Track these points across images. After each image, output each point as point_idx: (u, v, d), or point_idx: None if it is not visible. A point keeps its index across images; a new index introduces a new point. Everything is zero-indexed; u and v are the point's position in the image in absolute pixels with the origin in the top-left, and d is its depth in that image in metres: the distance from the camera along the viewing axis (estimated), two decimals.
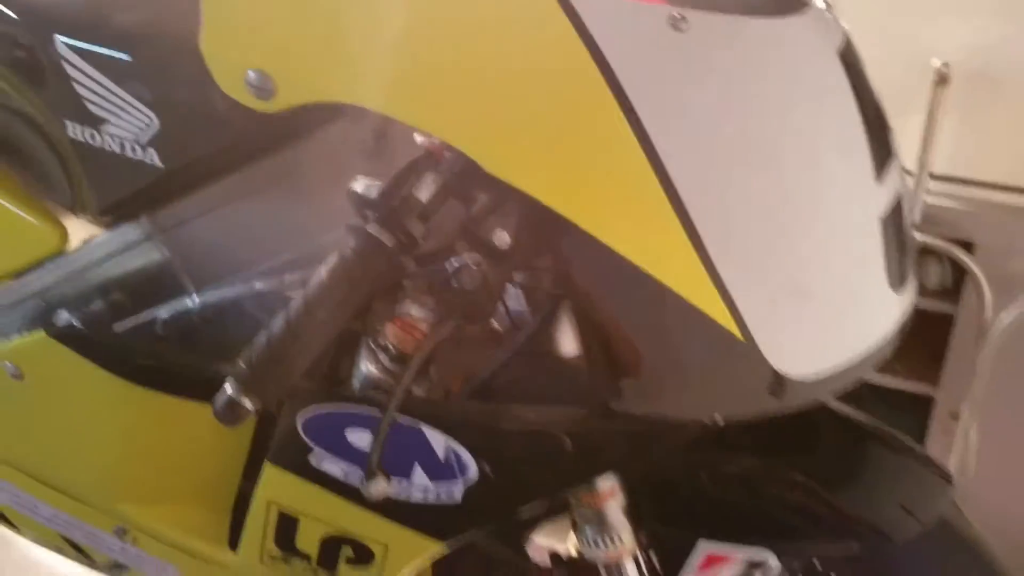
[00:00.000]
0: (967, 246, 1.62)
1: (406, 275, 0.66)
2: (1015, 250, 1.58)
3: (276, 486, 0.81)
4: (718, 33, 0.56)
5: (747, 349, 0.58)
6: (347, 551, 0.84)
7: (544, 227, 0.59)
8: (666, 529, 0.78)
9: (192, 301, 0.81)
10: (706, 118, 0.56)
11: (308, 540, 0.84)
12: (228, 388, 0.59)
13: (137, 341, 0.81)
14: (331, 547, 0.84)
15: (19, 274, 0.91)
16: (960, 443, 1.65)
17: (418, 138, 0.63)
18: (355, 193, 0.61)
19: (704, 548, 0.76)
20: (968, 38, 1.49)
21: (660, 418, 0.62)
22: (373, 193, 0.60)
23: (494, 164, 0.56)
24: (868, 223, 0.62)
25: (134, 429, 0.86)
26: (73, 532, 0.99)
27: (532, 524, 0.91)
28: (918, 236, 1.61)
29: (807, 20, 0.60)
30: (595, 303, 0.59)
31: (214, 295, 0.80)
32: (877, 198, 0.63)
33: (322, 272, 0.60)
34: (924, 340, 1.78)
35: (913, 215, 1.61)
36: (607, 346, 0.60)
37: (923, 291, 1.77)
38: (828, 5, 0.64)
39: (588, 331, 0.62)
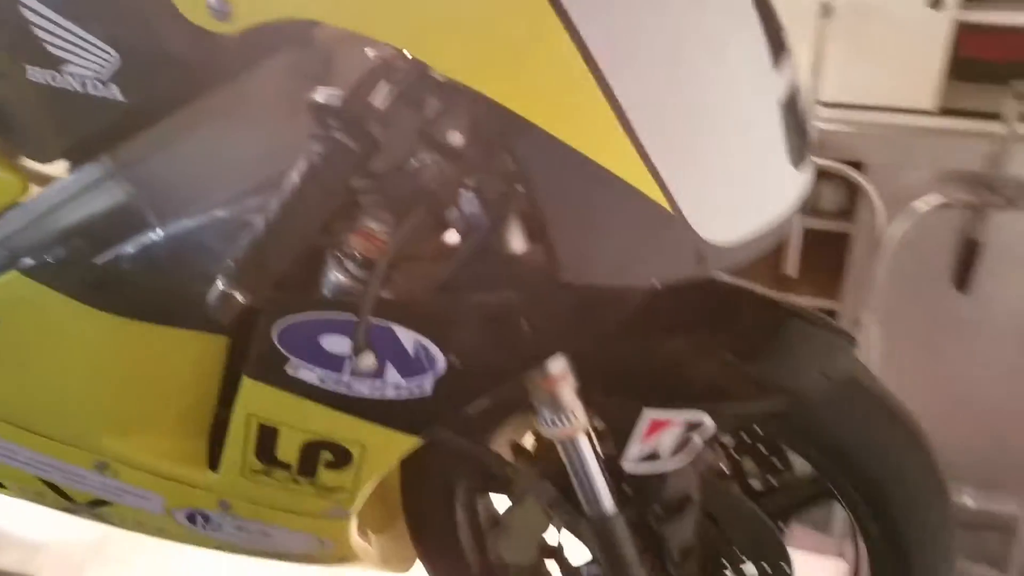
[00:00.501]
0: (858, 166, 1.77)
1: (370, 181, 0.73)
2: (902, 166, 1.73)
3: (255, 399, 0.88)
4: None
5: (675, 220, 0.68)
6: (326, 456, 0.90)
7: (491, 122, 0.67)
8: (613, 401, 0.87)
9: (158, 234, 0.86)
10: (629, 15, 0.64)
11: (288, 449, 0.91)
12: (219, 283, 0.66)
13: (109, 271, 0.85)
14: (310, 453, 0.90)
15: None
16: (864, 346, 1.80)
17: (370, 52, 0.70)
18: (317, 104, 0.67)
19: (648, 415, 0.86)
20: None
21: (604, 286, 0.71)
22: (335, 102, 0.66)
23: (443, 64, 0.64)
24: (769, 107, 0.72)
25: (110, 360, 0.91)
26: (53, 473, 1.03)
27: (495, 422, 0.99)
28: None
29: None
30: (538, 187, 0.67)
31: (179, 226, 0.85)
32: (775, 85, 0.73)
33: (294, 177, 0.67)
34: (825, 259, 1.94)
35: None
36: (552, 226, 0.68)
37: (820, 213, 1.93)
38: None
39: (535, 216, 0.70)
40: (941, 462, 0.94)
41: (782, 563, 0.98)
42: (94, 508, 1.07)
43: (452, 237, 0.78)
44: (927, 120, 1.71)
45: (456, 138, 0.68)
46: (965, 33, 1.75)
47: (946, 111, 1.69)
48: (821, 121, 1.73)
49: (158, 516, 1.04)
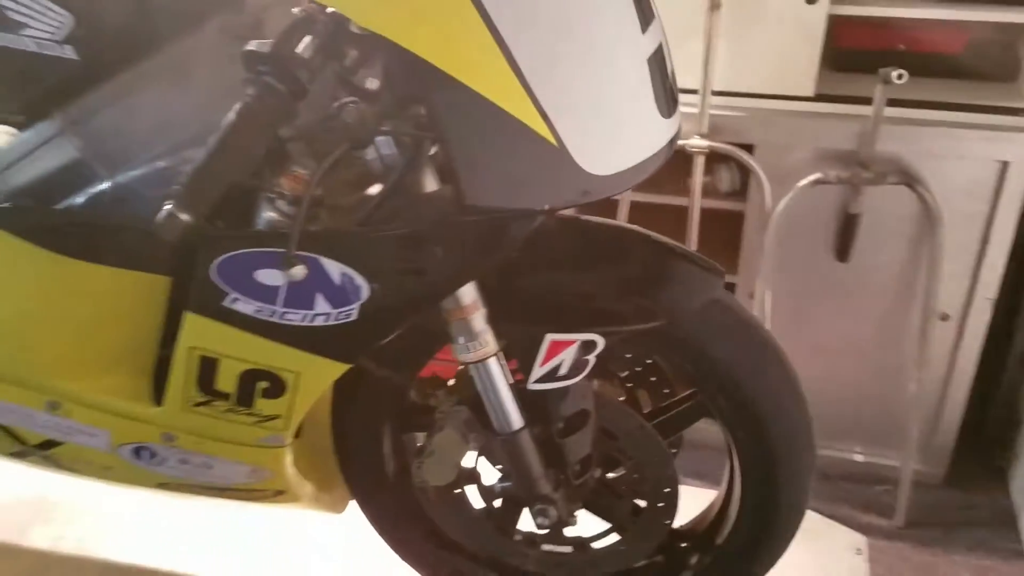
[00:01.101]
0: (750, 149, 1.94)
1: (297, 128, 0.84)
2: (786, 147, 1.90)
3: (196, 333, 0.98)
4: None
5: (560, 153, 0.81)
6: (262, 384, 1.01)
7: (403, 69, 0.79)
8: (518, 327, 1.00)
9: (106, 183, 0.96)
10: None
11: (227, 379, 1.01)
12: (166, 205, 0.76)
13: (62, 216, 0.95)
14: (248, 382, 1.01)
15: None
16: (757, 312, 1.97)
17: (295, 9, 0.81)
18: (249, 52, 0.77)
19: (549, 338, 0.99)
20: None
21: (502, 210, 0.83)
22: (264, 50, 0.77)
23: (360, 16, 0.76)
24: (639, 62, 0.86)
25: (62, 301, 1.00)
26: (6, 416, 1.11)
27: (418, 356, 1.11)
28: (706, 143, 1.91)
29: None
30: (444, 125, 0.80)
31: (125, 176, 0.95)
32: (643, 45, 0.87)
33: (231, 116, 0.78)
34: (722, 237, 2.10)
35: (702, 127, 1.91)
36: (457, 159, 0.81)
37: (716, 194, 2.09)
38: None
39: (443, 153, 0.83)
40: (797, 375, 1.09)
41: (668, 473, 1.12)
42: (44, 450, 1.15)
43: (371, 176, 0.90)
44: (806, 105, 1.89)
45: (373, 84, 0.80)
46: (838, 25, 1.94)
47: (822, 97, 1.87)
48: (713, 108, 1.89)
49: (105, 454, 1.12)
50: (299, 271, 0.83)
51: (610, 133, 0.85)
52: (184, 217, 0.76)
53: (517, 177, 0.82)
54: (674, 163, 2.01)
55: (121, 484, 1.20)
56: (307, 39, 0.78)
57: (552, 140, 0.81)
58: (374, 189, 0.90)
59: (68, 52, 0.88)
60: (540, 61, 0.79)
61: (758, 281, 1.99)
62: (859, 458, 2.26)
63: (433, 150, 0.87)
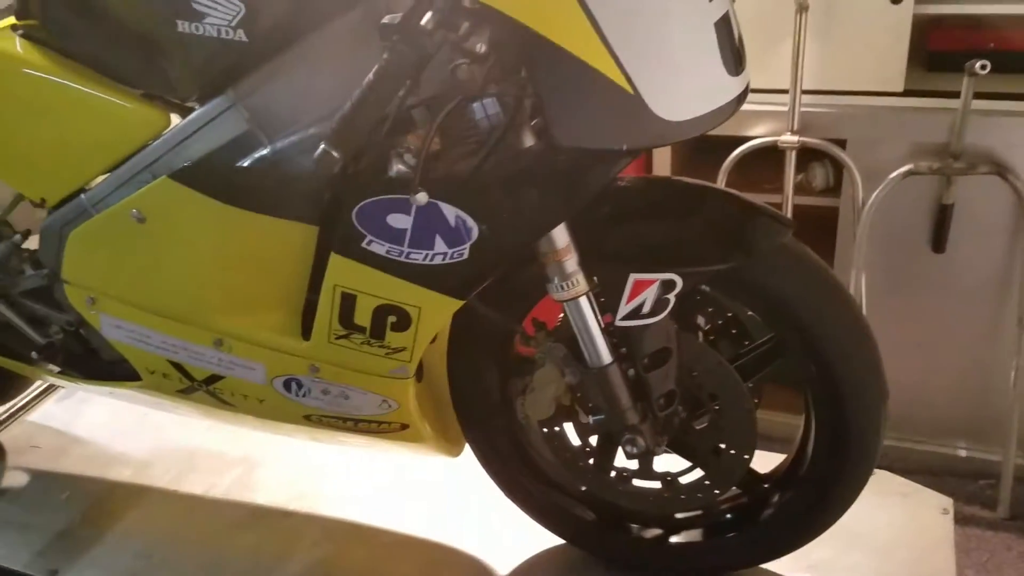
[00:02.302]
0: (842, 144, 2.03)
1: (420, 92, 1.02)
2: (877, 141, 1.99)
3: (339, 272, 1.17)
4: None
5: (636, 100, 0.97)
6: (391, 318, 1.19)
7: (506, 34, 0.97)
8: (606, 267, 1.15)
9: (269, 147, 1.17)
10: None
11: (363, 314, 1.19)
12: (322, 144, 0.95)
13: (235, 174, 1.16)
14: (380, 317, 1.19)
15: (131, 157, 1.26)
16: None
17: None
18: (385, 24, 0.96)
19: (633, 278, 1.14)
20: None
21: (586, 150, 1.00)
22: (396, 23, 0.96)
23: None
24: (706, 24, 1.01)
25: (231, 247, 1.22)
26: (179, 353, 1.33)
27: (522, 303, 1.28)
28: (797, 139, 2.02)
29: None
30: (540, 80, 0.97)
31: (285, 141, 1.17)
32: (710, 11, 1.02)
33: (369, 76, 0.96)
34: (816, 234, 2.19)
35: (792, 124, 2.02)
36: (550, 109, 0.97)
37: (811, 191, 2.18)
38: None
39: (538, 106, 1.00)
40: (864, 315, 1.20)
41: (745, 408, 1.23)
42: (209, 384, 1.37)
43: (480, 131, 1.08)
44: (896, 100, 1.97)
45: (481, 48, 0.98)
46: (929, 29, 2.03)
47: (911, 92, 1.96)
48: (804, 106, 2.01)
49: (260, 386, 1.33)
50: (422, 197, 1.01)
51: (680, 85, 1.00)
52: (335, 154, 0.95)
53: (600, 122, 0.98)
54: (768, 160, 2.13)
55: (271, 418, 1.41)
56: (429, 14, 0.96)
57: (629, 89, 0.96)
58: (482, 138, 1.08)
59: (240, 36, 1.10)
60: (618, 23, 0.95)
61: (852, 273, 2.07)
62: (962, 453, 2.27)
63: (531, 114, 1.04)
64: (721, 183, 2.13)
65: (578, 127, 0.98)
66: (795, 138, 2.02)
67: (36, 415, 1.99)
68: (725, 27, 1.03)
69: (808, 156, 2.15)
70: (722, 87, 1.04)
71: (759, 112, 2.06)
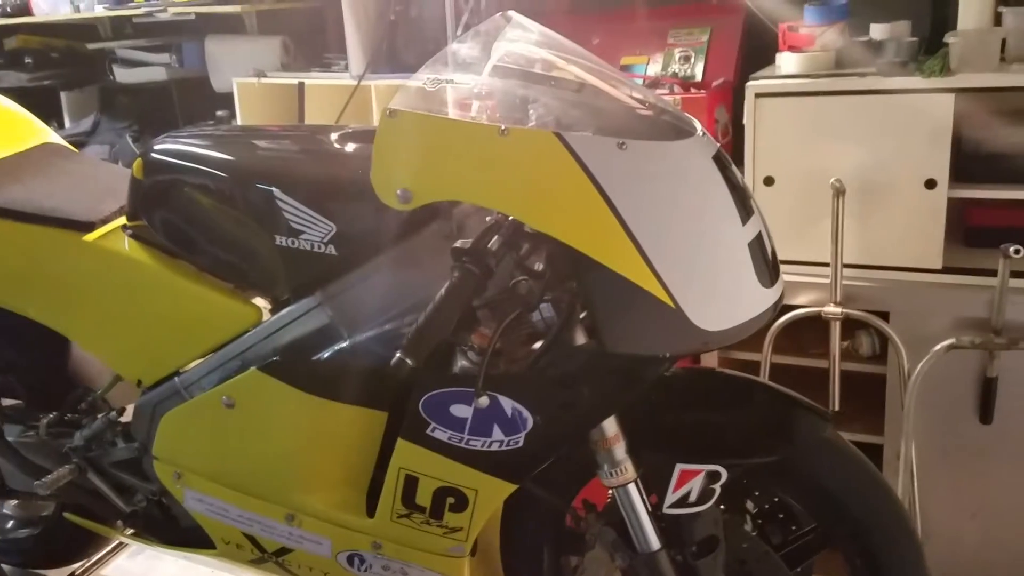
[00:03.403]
0: (885, 316, 2.10)
1: (485, 299, 1.15)
2: (921, 314, 2.05)
3: (405, 456, 1.27)
4: (644, 150, 1.09)
5: (678, 313, 1.07)
6: (450, 500, 1.28)
7: (561, 256, 1.09)
8: (654, 457, 1.23)
9: (348, 342, 1.30)
10: (641, 190, 1.07)
11: (424, 495, 1.28)
12: (398, 353, 1.07)
13: (316, 366, 1.29)
14: (439, 498, 1.28)
15: (223, 346, 1.40)
16: (903, 472, 2.05)
17: (487, 217, 1.14)
18: (456, 248, 1.10)
19: (679, 467, 1.21)
20: (854, 160, 2.02)
21: (633, 356, 1.10)
22: (466, 246, 1.09)
23: (532, 221, 1.08)
24: (740, 246, 1.12)
25: (308, 431, 1.33)
26: (253, 527, 1.43)
27: (572, 484, 1.35)
28: (840, 310, 2.09)
29: (691, 141, 1.13)
30: (591, 295, 1.08)
31: (362, 337, 1.29)
32: (744, 234, 1.13)
33: (441, 291, 1.09)
34: (866, 399, 2.23)
35: (835, 295, 2.10)
36: (600, 318, 1.08)
37: (858, 358, 2.24)
38: (704, 131, 1.17)
39: (590, 314, 1.11)
40: (905, 508, 1.24)
41: None
42: (279, 556, 1.45)
43: (537, 333, 1.19)
44: (935, 277, 2.05)
45: (539, 266, 1.10)
46: (968, 206, 2.12)
47: (950, 269, 2.03)
48: (847, 279, 2.09)
49: (326, 560, 1.41)
50: (484, 401, 1.12)
51: (717, 298, 1.10)
52: (410, 362, 1.06)
53: (645, 331, 1.08)
54: (813, 326, 2.20)
55: None
56: (495, 238, 1.09)
57: (671, 303, 1.07)
58: (538, 343, 1.19)
59: (330, 250, 1.25)
60: (660, 247, 1.07)
61: (902, 442, 2.09)
62: None
63: (582, 314, 1.15)
64: (767, 350, 2.20)
65: (624, 335, 1.09)
66: (839, 309, 2.09)
67: (109, 569, 2.08)
68: (759, 246, 1.14)
69: (854, 323, 2.21)
70: (757, 299, 1.14)
71: (803, 283, 2.15)
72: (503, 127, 1.07)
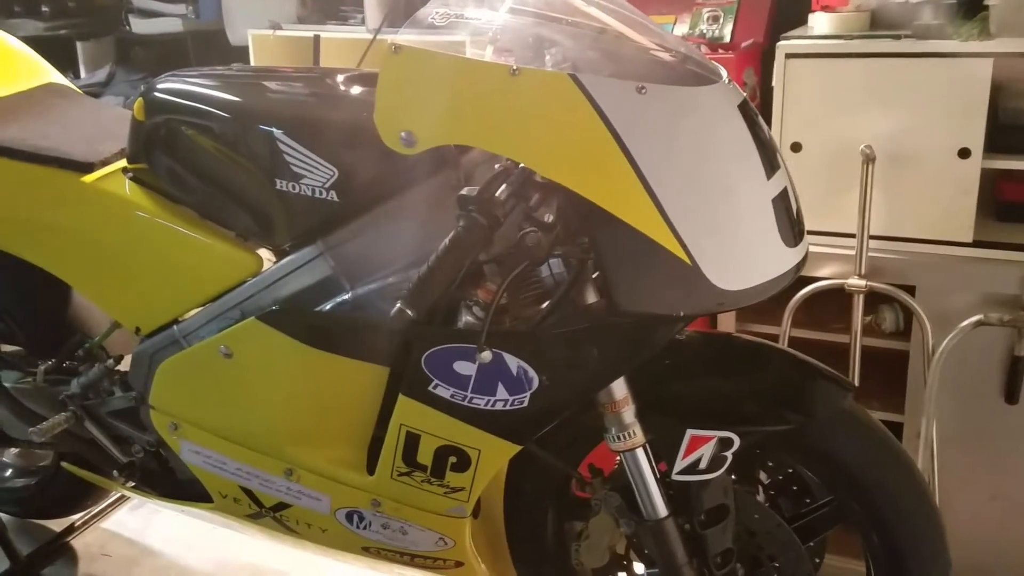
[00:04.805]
0: (911, 290, 2.03)
1: (491, 251, 1.09)
2: (948, 289, 1.97)
3: (406, 412, 1.22)
4: (664, 95, 1.02)
5: (694, 270, 1.01)
6: (452, 459, 1.23)
7: (573, 207, 1.03)
8: (664, 421, 1.18)
9: (350, 294, 1.25)
10: (660, 138, 1.01)
11: (425, 453, 1.24)
12: (398, 303, 1.02)
13: (316, 317, 1.24)
14: (441, 457, 1.23)
15: (223, 294, 1.36)
16: (924, 453, 1.99)
17: (496, 165, 1.08)
18: (463, 196, 1.04)
19: (690, 433, 1.16)
20: (885, 127, 1.94)
21: (646, 315, 1.04)
22: (472, 194, 1.03)
23: (543, 169, 1.02)
24: (764, 201, 1.06)
25: (308, 384, 1.29)
26: (251, 480, 1.39)
27: (579, 448, 1.30)
28: (864, 283, 2.02)
29: (715, 88, 1.07)
30: (603, 249, 1.02)
31: (364, 288, 1.24)
32: (768, 188, 1.07)
33: (446, 241, 1.04)
34: (887, 376, 2.17)
35: (860, 268, 2.03)
36: (612, 275, 1.03)
37: (880, 333, 2.17)
38: (730, 79, 1.10)
39: (600, 270, 1.05)
40: (927, 484, 1.18)
41: (805, 571, 1.22)
42: (276, 511, 1.42)
43: (545, 289, 1.13)
44: (965, 250, 1.97)
45: (549, 218, 1.05)
46: (999, 179, 2.04)
47: (980, 243, 1.95)
48: (873, 251, 2.02)
49: (324, 516, 1.37)
50: (486, 356, 1.07)
51: (737, 256, 1.04)
52: (411, 313, 1.01)
53: (659, 289, 1.03)
54: (835, 301, 2.14)
55: (331, 546, 1.44)
56: (503, 186, 1.04)
57: (687, 260, 1.01)
58: (546, 296, 1.13)
59: (332, 196, 1.20)
60: (678, 199, 1.01)
61: (923, 421, 2.02)
62: None
63: (594, 273, 1.09)
64: (786, 323, 2.14)
65: (638, 293, 1.03)
66: (863, 282, 2.02)
67: (109, 522, 2.06)
68: (783, 202, 1.08)
69: (877, 298, 2.14)
70: (779, 258, 1.07)
71: (826, 255, 2.08)
72: (514, 67, 1.01)
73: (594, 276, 1.09)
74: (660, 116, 1.02)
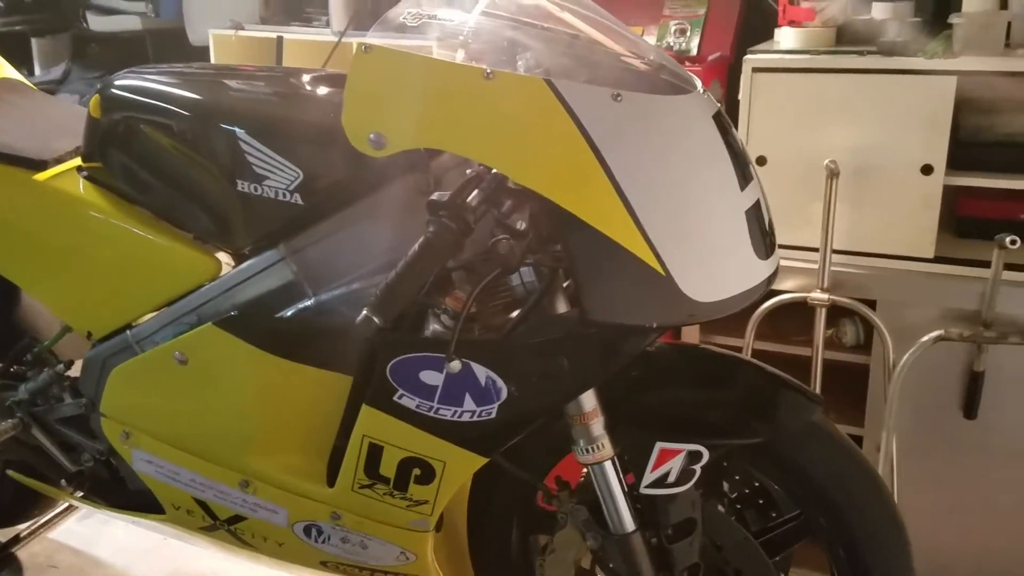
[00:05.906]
0: (872, 304, 2.04)
1: (461, 258, 1.07)
2: (908, 304, 1.99)
3: (369, 423, 1.19)
4: (640, 103, 1.01)
5: (667, 281, 1.00)
6: (416, 471, 1.20)
7: (546, 214, 1.01)
8: (633, 434, 1.16)
9: (312, 300, 1.21)
10: (635, 147, 1.00)
11: (388, 465, 1.21)
12: (364, 310, 0.99)
13: (276, 324, 1.20)
14: (405, 469, 1.20)
15: (179, 299, 1.31)
16: (883, 466, 2.00)
17: (468, 170, 1.06)
18: (433, 201, 1.01)
19: (659, 446, 1.14)
20: (850, 142, 1.96)
21: (617, 325, 1.02)
22: (443, 199, 1.01)
23: (516, 175, 1.00)
24: (737, 213, 1.05)
25: (266, 392, 1.25)
26: (205, 492, 1.35)
27: (545, 460, 1.28)
28: (827, 297, 2.04)
29: (690, 98, 1.06)
30: (575, 258, 1.00)
31: (327, 295, 1.21)
32: (741, 200, 1.06)
33: (415, 247, 1.01)
34: (848, 389, 2.18)
35: (822, 282, 2.04)
36: (584, 284, 1.01)
37: (841, 347, 2.18)
38: (705, 89, 1.09)
39: (573, 279, 1.03)
40: (894, 501, 1.18)
41: None
42: (231, 524, 1.37)
43: (516, 298, 1.11)
44: (926, 266, 1.99)
45: (521, 225, 1.02)
46: (959, 196, 2.07)
47: (942, 259, 1.98)
48: (836, 265, 2.03)
49: (281, 530, 1.33)
50: (455, 365, 1.04)
51: (710, 267, 1.03)
52: (377, 320, 0.98)
53: (631, 300, 1.01)
54: (798, 315, 2.15)
55: (288, 560, 1.40)
56: (475, 192, 1.01)
57: (660, 270, 1.00)
58: (516, 305, 1.11)
59: (296, 199, 1.16)
60: (653, 209, 1.00)
61: (883, 434, 2.04)
62: None
63: (566, 281, 1.07)
64: (750, 335, 2.14)
65: (610, 303, 1.01)
66: (825, 296, 2.03)
67: (57, 532, 1.99)
68: (756, 214, 1.07)
69: (839, 311, 2.15)
70: (751, 270, 1.07)
71: (790, 268, 2.09)
72: (488, 70, 0.99)
73: (565, 285, 1.07)
74: (636, 124, 1.00)
